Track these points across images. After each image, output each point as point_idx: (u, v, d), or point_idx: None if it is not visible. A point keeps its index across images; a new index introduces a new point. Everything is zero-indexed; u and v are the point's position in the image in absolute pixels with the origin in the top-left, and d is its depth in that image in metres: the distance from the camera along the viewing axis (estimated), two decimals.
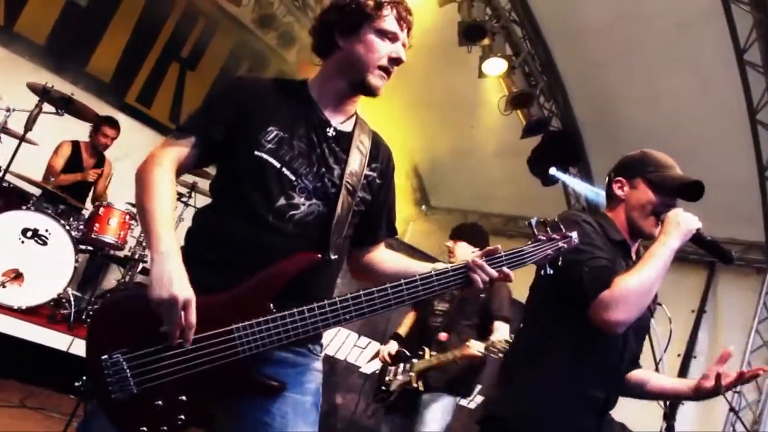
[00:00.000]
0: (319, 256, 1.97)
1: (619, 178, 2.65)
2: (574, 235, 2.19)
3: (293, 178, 2.02)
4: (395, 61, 2.10)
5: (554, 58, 7.97)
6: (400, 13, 2.09)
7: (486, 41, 7.33)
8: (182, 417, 1.85)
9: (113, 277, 6.97)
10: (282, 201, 1.99)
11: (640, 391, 2.72)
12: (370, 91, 2.12)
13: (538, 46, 7.88)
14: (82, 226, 5.88)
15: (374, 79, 2.09)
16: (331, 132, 2.12)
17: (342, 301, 1.92)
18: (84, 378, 1.85)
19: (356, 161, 2.14)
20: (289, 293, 1.91)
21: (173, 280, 1.78)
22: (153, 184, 1.94)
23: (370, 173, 2.20)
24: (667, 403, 2.92)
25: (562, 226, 2.19)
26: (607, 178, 2.74)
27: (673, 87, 6.92)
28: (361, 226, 2.23)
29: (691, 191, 2.51)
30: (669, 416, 2.99)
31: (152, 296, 1.76)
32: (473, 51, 7.56)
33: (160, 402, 1.83)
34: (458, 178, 10.38)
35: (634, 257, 2.61)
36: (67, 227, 5.43)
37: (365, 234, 2.28)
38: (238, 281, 1.90)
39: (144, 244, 6.28)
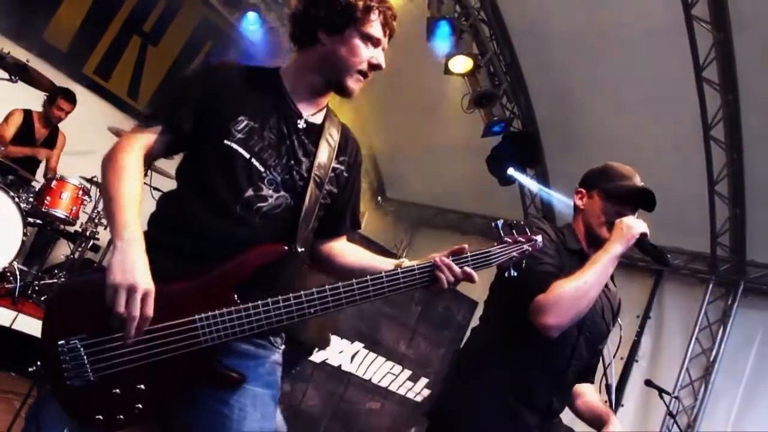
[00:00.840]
0: (286, 248, 1.96)
1: (580, 190, 2.73)
2: (539, 238, 2.23)
3: (262, 170, 2.00)
4: (375, 67, 2.11)
5: (519, 60, 8.01)
6: (386, 19, 2.10)
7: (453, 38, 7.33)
8: (139, 406, 1.82)
9: (62, 252, 6.80)
10: (250, 192, 1.97)
11: (571, 405, 2.79)
12: (346, 93, 2.12)
13: (505, 47, 7.92)
14: (32, 199, 5.72)
15: (352, 82, 2.10)
16: (301, 124, 2.11)
17: (307, 294, 1.92)
18: (38, 363, 1.81)
19: (325, 154, 2.13)
20: (253, 285, 1.90)
21: (135, 268, 1.75)
22: (119, 170, 1.90)
23: (338, 166, 2.20)
24: (612, 404, 2.99)
25: (527, 230, 2.23)
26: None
27: (635, 97, 7.03)
28: (325, 219, 2.22)
29: (641, 199, 2.59)
30: None
31: (111, 281, 1.72)
32: None
33: (117, 390, 1.80)
34: (416, 171, 10.38)
35: None
36: (16, 199, 5.27)
37: (329, 226, 2.28)
38: (202, 270, 1.88)
39: (96, 220, 6.14)
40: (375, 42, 2.09)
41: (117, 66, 8.86)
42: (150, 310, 1.77)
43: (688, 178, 7.00)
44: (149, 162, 2.04)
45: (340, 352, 6.44)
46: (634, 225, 2.49)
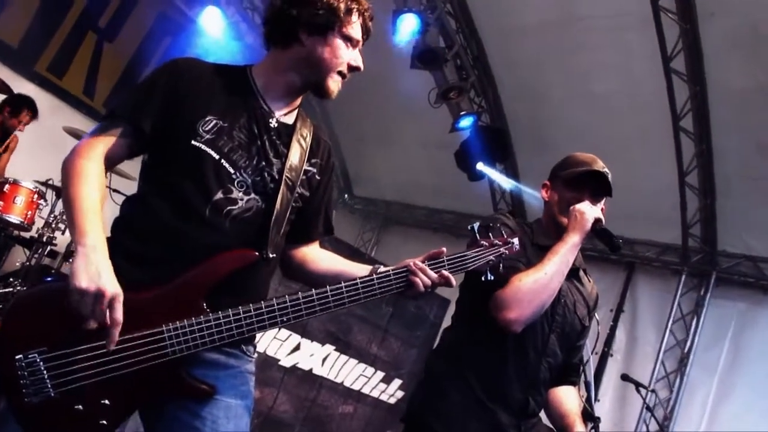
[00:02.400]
0: (257, 254, 1.92)
1: (545, 182, 2.74)
2: (515, 241, 2.22)
3: (232, 171, 1.96)
4: (354, 69, 2.11)
5: (487, 53, 8.02)
6: (365, 21, 2.11)
7: None
8: (104, 422, 1.76)
9: (17, 259, 6.62)
10: (219, 195, 1.93)
11: (546, 410, 2.77)
12: (326, 94, 2.11)
13: (472, 40, 7.92)
14: None
15: (333, 83, 2.10)
16: (273, 123, 2.08)
17: (279, 302, 1.89)
18: None
19: (296, 155, 2.10)
20: (223, 292, 1.87)
21: (101, 272, 1.70)
22: (79, 174, 1.86)
23: (310, 168, 2.17)
24: (591, 401, 3.00)
25: (503, 232, 2.21)
26: None
27: (604, 90, 7.09)
28: (297, 224, 2.19)
29: (596, 183, 2.60)
30: (594, 417, 3.07)
31: (76, 287, 1.67)
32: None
33: (80, 406, 1.74)
34: (383, 168, 10.37)
35: None
36: None
37: (301, 232, 2.25)
38: (169, 278, 1.84)
39: (53, 225, 5.99)
40: (354, 43, 2.09)
41: (71, 63, 8.65)
42: (119, 315, 1.71)
43: (659, 170, 7.10)
44: (112, 165, 2.00)
45: (311, 356, 6.39)
46: (587, 211, 2.50)
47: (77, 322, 1.70)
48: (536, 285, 2.36)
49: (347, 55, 2.07)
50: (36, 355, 1.71)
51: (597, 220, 2.51)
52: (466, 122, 7.91)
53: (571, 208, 2.54)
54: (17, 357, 1.70)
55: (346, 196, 11.11)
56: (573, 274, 2.61)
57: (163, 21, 9.13)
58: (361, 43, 2.12)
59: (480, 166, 8.37)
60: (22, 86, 6.96)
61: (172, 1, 8.99)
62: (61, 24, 8.41)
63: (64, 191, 1.87)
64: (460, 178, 8.59)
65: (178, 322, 1.79)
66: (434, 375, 2.60)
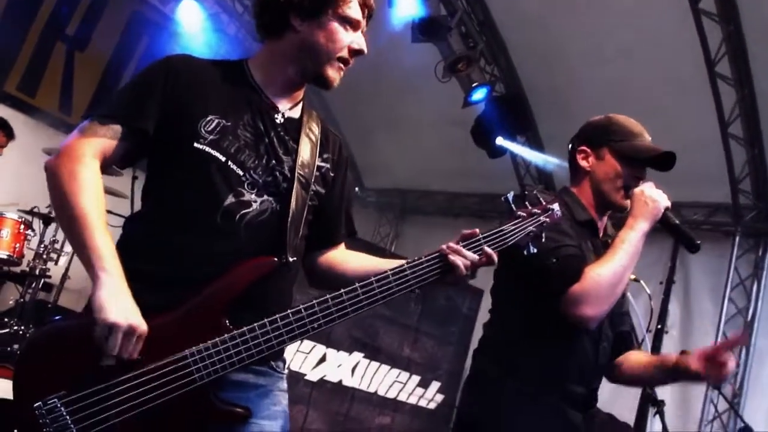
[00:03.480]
0: (276, 259, 1.93)
1: (584, 148, 2.68)
2: (556, 207, 2.20)
3: (241, 173, 1.97)
4: (357, 53, 2.10)
5: (494, 16, 7.98)
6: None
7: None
8: None
9: (10, 296, 6.68)
10: (231, 199, 1.94)
11: (617, 378, 2.77)
12: (326, 84, 2.10)
13: (476, 4, 7.89)
14: None
15: (332, 71, 2.09)
16: (279, 119, 2.09)
17: (307, 308, 1.89)
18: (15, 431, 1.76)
19: (307, 151, 2.11)
20: (244, 305, 1.88)
21: (131, 307, 1.73)
22: (79, 183, 1.85)
23: (323, 164, 2.18)
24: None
25: (541, 199, 2.20)
26: (569, 147, 2.77)
27: (626, 41, 7.03)
28: (318, 228, 2.21)
29: (662, 162, 2.58)
30: (657, 400, 3.08)
31: (105, 321, 1.69)
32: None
33: None
34: (394, 155, 10.35)
35: (601, 234, 2.67)
36: None
37: (323, 236, 2.27)
38: (186, 298, 1.85)
39: (44, 256, 6.04)
40: (354, 25, 2.07)
41: (43, 79, 8.71)
42: (137, 353, 1.74)
43: (697, 124, 7.02)
44: (104, 168, 1.97)
45: (339, 366, 6.43)
46: (659, 198, 2.49)
47: (96, 359, 1.72)
48: (614, 279, 2.37)
49: (347, 39, 2.06)
50: (56, 399, 1.72)
51: (667, 208, 2.50)
52: (479, 94, 7.90)
53: (637, 191, 2.53)
54: (36, 405, 1.71)
55: (356, 189, 11.13)
56: (604, 247, 2.61)
57: (137, 21, 9.17)
58: (363, 24, 2.10)
59: (500, 140, 8.36)
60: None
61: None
62: (26, 38, 8.45)
63: (63, 204, 1.85)
64: (479, 157, 8.57)
65: (201, 345, 1.80)
66: (488, 378, 2.59)
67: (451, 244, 2.02)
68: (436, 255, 2.01)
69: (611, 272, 2.37)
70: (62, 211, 1.87)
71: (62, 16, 8.70)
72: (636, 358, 2.74)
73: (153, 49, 9.18)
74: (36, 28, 8.50)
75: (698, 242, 2.53)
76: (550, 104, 8.27)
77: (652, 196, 2.49)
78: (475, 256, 2.01)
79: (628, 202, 2.57)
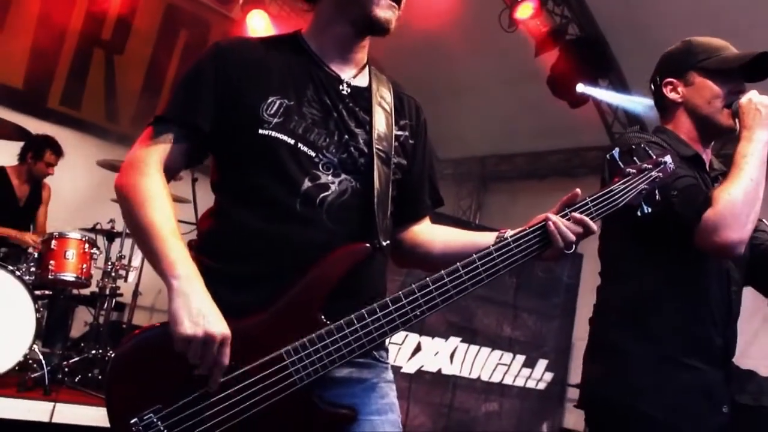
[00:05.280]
0: (368, 245, 1.92)
1: (669, 80, 2.65)
2: (668, 159, 2.16)
3: (313, 154, 1.96)
4: None
5: None
6: None
7: None
8: None
9: (83, 319, 6.92)
10: (308, 183, 1.94)
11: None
12: (381, 28, 2.04)
13: None
14: (33, 268, 5.79)
15: (382, 10, 2.01)
16: (345, 89, 2.07)
17: (407, 294, 1.88)
18: None
19: (382, 121, 2.09)
20: (338, 297, 1.87)
21: (206, 312, 1.74)
22: (144, 196, 1.89)
23: (401, 133, 2.16)
24: None
25: (650, 152, 2.15)
26: (652, 86, 2.75)
27: None
28: (401, 201, 2.18)
29: (758, 68, 2.52)
30: None
31: (180, 335, 1.71)
32: None
33: None
34: (465, 120, 10.26)
35: (708, 170, 2.62)
36: (17, 273, 5.35)
37: (406, 209, 2.24)
38: (275, 294, 1.85)
39: (113, 273, 6.21)
40: None
41: (85, 90, 8.96)
42: (226, 359, 1.75)
43: None
44: (170, 176, 2.01)
45: (436, 354, 6.44)
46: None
47: (186, 369, 1.74)
48: (748, 195, 2.29)
49: None
50: (152, 414, 1.75)
51: None
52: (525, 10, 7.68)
53: (743, 102, 2.45)
54: (132, 422, 1.75)
55: None
56: (714, 182, 2.55)
57: (172, 14, 9.30)
58: None
59: (580, 87, 8.23)
60: (38, 128, 7.24)
61: None
62: (62, 50, 8.67)
63: (132, 219, 1.90)
64: (559, 109, 8.44)
65: (297, 343, 1.80)
66: (616, 345, 2.54)
67: (550, 215, 1.98)
68: (540, 226, 1.97)
69: (743, 190, 2.29)
70: (132, 226, 1.92)
71: (95, 22, 8.90)
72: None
73: (192, 40, 9.31)
74: (70, 38, 8.72)
75: None
76: (632, 39, 8.06)
77: (763, 101, 2.42)
78: (578, 229, 1.97)
79: (734, 122, 2.51)
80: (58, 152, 6.87)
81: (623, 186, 2.07)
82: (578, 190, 2.03)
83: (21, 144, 6.80)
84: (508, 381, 7.01)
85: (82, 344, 6.48)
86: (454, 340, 6.53)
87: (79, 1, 8.70)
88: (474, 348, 6.69)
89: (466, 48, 8.81)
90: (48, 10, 8.41)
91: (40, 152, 6.76)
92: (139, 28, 9.21)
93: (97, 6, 8.78)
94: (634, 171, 2.09)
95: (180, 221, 1.98)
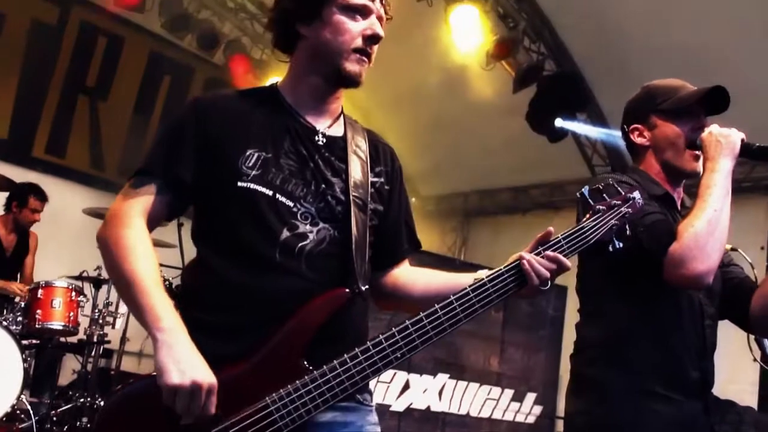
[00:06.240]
0: (347, 291, 1.95)
1: (635, 126, 2.72)
2: (636, 194, 2.20)
3: (291, 204, 2.00)
4: (372, 39, 2.08)
5: None
6: None
7: None
8: None
9: (71, 367, 6.88)
10: (286, 233, 1.97)
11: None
12: (351, 81, 2.10)
13: None
14: (20, 318, 5.77)
15: (351, 65, 2.07)
16: (320, 139, 2.11)
17: (387, 338, 1.91)
18: None
19: (357, 169, 2.13)
20: (320, 343, 1.90)
21: (192, 362, 1.76)
22: (127, 247, 1.91)
23: (376, 179, 2.20)
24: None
25: (619, 189, 2.20)
26: (622, 134, 2.82)
27: None
28: (380, 246, 2.22)
29: (714, 101, 2.59)
30: None
31: (168, 386, 1.72)
32: (434, 4, 7.59)
33: None
34: (447, 157, 10.36)
35: (679, 206, 2.68)
36: (4, 323, 5.34)
37: (385, 254, 2.28)
38: (258, 343, 1.88)
39: (100, 321, 6.20)
40: (362, 11, 2.06)
41: (70, 137, 8.96)
42: (213, 408, 1.77)
43: None
44: (152, 227, 2.04)
45: (424, 392, 6.44)
46: (730, 133, 2.48)
47: (173, 420, 1.76)
48: (711, 226, 2.34)
49: (356, 28, 2.05)
50: None
51: (743, 140, 2.48)
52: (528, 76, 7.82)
53: (705, 136, 2.51)
54: None
55: (413, 199, 11.16)
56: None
57: (156, 60, 9.36)
58: (374, 7, 2.08)
59: (559, 122, 8.31)
60: (24, 177, 7.26)
61: (160, 36, 9.19)
62: (46, 98, 8.69)
63: (115, 271, 1.91)
64: (540, 144, 8.52)
65: (282, 391, 1.83)
66: (596, 380, 2.57)
67: (524, 254, 2.03)
68: (515, 265, 2.02)
69: (706, 221, 2.34)
70: (115, 278, 1.94)
71: (80, 69, 8.94)
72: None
73: (175, 86, 9.37)
74: (55, 85, 8.76)
75: None
76: (608, 74, 8.17)
77: (722, 133, 2.48)
78: (551, 266, 2.01)
79: (698, 164, 2.57)
80: (42, 197, 6.89)
81: (594, 222, 2.12)
82: (551, 229, 2.07)
83: (6, 194, 6.82)
84: (497, 416, 7.00)
85: (71, 392, 6.43)
86: (442, 377, 6.53)
87: (63, 47, 8.78)
88: (462, 384, 6.70)
89: (446, 84, 8.89)
90: (32, 57, 8.46)
91: (24, 199, 6.79)
92: (123, 75, 9.26)
93: (82, 53, 8.85)
94: (604, 207, 2.14)
95: (166, 266, 2.01)
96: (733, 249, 3.00)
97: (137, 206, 1.99)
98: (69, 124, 8.93)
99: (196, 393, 1.73)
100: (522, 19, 7.94)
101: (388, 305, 2.40)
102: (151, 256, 1.93)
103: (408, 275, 2.34)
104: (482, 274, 2.06)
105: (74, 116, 8.97)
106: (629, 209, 2.16)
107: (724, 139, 2.46)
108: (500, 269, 2.02)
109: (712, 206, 2.37)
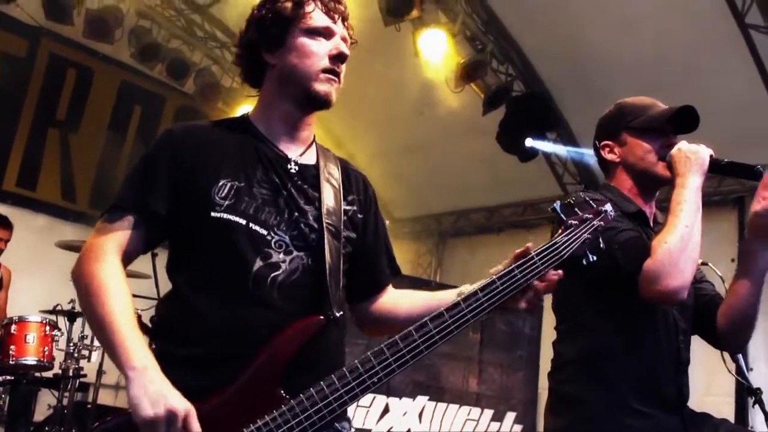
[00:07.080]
0: (322, 317, 1.95)
1: (605, 143, 2.77)
2: (608, 207, 2.20)
3: (264, 233, 2.00)
4: (338, 58, 2.11)
5: (496, 11, 8.04)
6: (326, 4, 2.11)
7: (415, 13, 7.37)
8: None
9: (46, 403, 6.78)
10: (259, 263, 1.97)
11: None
12: (321, 102, 2.11)
13: (476, 2, 7.95)
14: None
15: (320, 85, 2.09)
16: (292, 167, 2.11)
17: (363, 363, 1.90)
18: None
19: (330, 197, 2.14)
20: (297, 371, 1.89)
21: (165, 392, 1.74)
22: (100, 285, 1.90)
23: (349, 207, 2.21)
24: (744, 372, 2.97)
25: (591, 202, 2.21)
26: (593, 151, 2.87)
27: (648, 10, 7.02)
28: (360, 275, 2.24)
29: (683, 120, 2.63)
30: (752, 388, 3.04)
31: (143, 419, 1.71)
32: (402, 29, 7.64)
33: None
34: (419, 179, 10.40)
35: (652, 223, 2.71)
36: None
37: (368, 282, 2.30)
38: (234, 374, 1.87)
39: (75, 354, 6.13)
40: (325, 33, 2.10)
41: (41, 170, 8.89)
42: (197, 428, 1.75)
43: (738, 83, 6.96)
44: (128, 261, 2.03)
45: (404, 415, 6.42)
46: (698, 149, 2.52)
47: None
48: (684, 242, 2.37)
49: (321, 49, 2.09)
50: None
51: (711, 156, 2.52)
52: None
53: (674, 153, 2.55)
54: None
55: (387, 222, 11.15)
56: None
57: (126, 91, 9.33)
58: (336, 29, 2.12)
59: (529, 142, 8.37)
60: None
61: (130, 66, 9.16)
62: (16, 131, 8.63)
63: (88, 309, 1.91)
64: (511, 164, 8.57)
65: (259, 421, 1.82)
66: (573, 397, 2.59)
67: (499, 268, 2.03)
68: (488, 283, 2.01)
69: (679, 236, 2.37)
70: (89, 315, 1.93)
71: (50, 101, 8.89)
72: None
73: (146, 115, 9.34)
74: (25, 118, 8.70)
75: (759, 168, 2.51)
76: (576, 93, 8.25)
77: (691, 149, 2.52)
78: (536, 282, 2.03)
79: (671, 171, 2.60)
80: (6, 225, 6.80)
81: (567, 237, 2.11)
82: (530, 244, 2.07)
83: None
84: None
85: (47, 428, 6.33)
86: (422, 399, 6.51)
87: (33, 80, 8.73)
88: (442, 405, 6.68)
89: (419, 111, 8.95)
90: (1, 90, 8.39)
91: None
92: (93, 106, 9.21)
93: (52, 85, 8.80)
94: (576, 222, 2.15)
95: (140, 297, 2.00)
96: (703, 263, 3.03)
97: (111, 242, 1.98)
98: (40, 156, 8.86)
99: (173, 420, 1.72)
100: (489, 42, 8.01)
101: (377, 331, 2.40)
102: (125, 294, 1.91)
103: (393, 300, 2.35)
104: (465, 288, 2.07)
105: (45, 148, 8.90)
106: (602, 222, 2.16)
107: (693, 155, 2.50)
108: (475, 289, 2.01)
109: (684, 222, 2.40)
